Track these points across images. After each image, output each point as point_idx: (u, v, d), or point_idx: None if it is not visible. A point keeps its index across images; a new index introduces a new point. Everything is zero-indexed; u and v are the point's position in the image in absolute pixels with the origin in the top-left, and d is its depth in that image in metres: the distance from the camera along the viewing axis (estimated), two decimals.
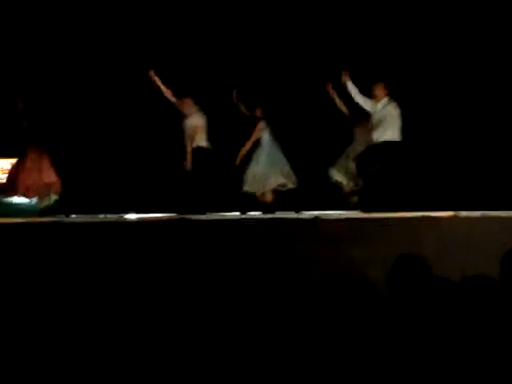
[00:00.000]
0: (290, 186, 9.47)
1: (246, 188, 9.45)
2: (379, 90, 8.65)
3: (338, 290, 3.72)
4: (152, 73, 9.33)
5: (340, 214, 8.30)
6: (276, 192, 9.50)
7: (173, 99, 9.45)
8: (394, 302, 3.73)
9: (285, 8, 10.64)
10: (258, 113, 9.63)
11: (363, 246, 6.52)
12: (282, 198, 9.58)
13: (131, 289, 6.42)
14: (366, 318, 3.54)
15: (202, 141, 9.39)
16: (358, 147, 9.05)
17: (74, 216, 9.09)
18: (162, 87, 9.36)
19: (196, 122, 9.38)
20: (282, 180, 9.43)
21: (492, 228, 6.39)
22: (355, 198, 9.18)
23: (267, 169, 9.42)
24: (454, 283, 3.71)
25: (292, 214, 8.64)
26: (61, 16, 10.69)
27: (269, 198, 9.46)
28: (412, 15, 10.30)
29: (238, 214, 9.11)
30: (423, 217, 6.75)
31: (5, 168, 10.24)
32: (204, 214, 8.54)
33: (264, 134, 9.56)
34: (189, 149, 9.35)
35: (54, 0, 10.69)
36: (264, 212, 9.12)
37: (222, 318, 5.18)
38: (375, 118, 8.59)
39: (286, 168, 9.47)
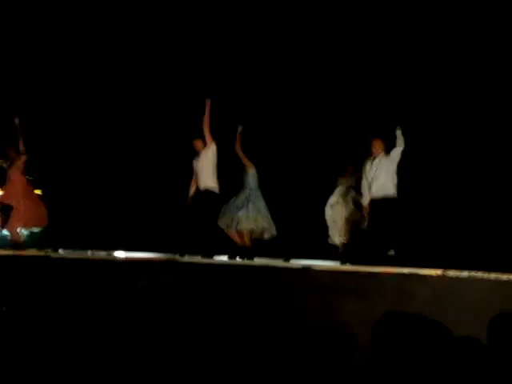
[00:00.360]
0: (267, 234, 9.51)
1: (220, 223, 9.48)
2: (376, 146, 8.83)
3: (323, 344, 3.71)
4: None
5: (329, 266, 8.29)
6: (255, 238, 9.54)
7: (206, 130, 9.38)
8: (379, 358, 3.72)
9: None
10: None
11: (353, 299, 6.50)
12: (271, 245, 9.59)
13: (117, 327, 6.38)
14: (348, 373, 3.53)
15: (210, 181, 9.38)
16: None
17: (61, 251, 9.04)
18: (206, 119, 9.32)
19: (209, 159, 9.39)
20: (260, 226, 9.50)
21: (480, 290, 6.40)
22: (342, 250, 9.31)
23: (247, 211, 9.44)
24: (441, 343, 3.71)
25: (281, 262, 8.63)
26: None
27: (244, 239, 9.46)
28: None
29: (224, 258, 9.10)
30: (412, 273, 6.76)
31: None
32: (192, 255, 8.55)
33: (252, 179, 9.58)
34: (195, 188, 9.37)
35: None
36: (245, 257, 9.11)
37: (206, 362, 5.15)
38: (372, 173, 8.75)
39: (266, 216, 9.51)
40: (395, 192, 8.74)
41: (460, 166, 10.11)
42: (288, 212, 10.06)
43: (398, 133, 8.77)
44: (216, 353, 5.77)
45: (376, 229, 8.58)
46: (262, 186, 9.74)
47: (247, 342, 5.98)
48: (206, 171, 9.22)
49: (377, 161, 8.81)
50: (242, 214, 9.37)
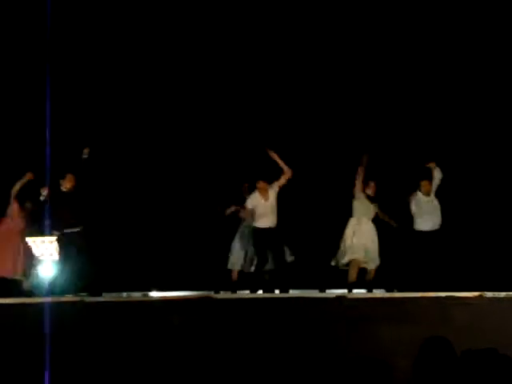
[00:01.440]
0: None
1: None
2: (426, 187, 8.99)
3: (361, 373, 3.65)
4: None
5: (364, 294, 8.23)
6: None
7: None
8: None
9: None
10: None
11: (389, 326, 6.46)
12: (306, 276, 9.54)
13: (154, 366, 6.36)
14: None
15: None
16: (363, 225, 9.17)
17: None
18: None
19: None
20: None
21: None
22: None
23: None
24: (483, 367, 3.62)
25: (316, 293, 8.58)
26: None
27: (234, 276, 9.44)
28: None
29: (260, 292, 9.05)
30: (449, 297, 6.69)
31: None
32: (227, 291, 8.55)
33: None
34: None
35: None
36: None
37: None
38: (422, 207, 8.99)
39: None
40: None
41: (491, 187, 10.04)
42: (319, 242, 9.99)
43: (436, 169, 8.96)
44: None
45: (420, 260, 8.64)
46: (291, 215, 9.72)
47: (286, 374, 5.94)
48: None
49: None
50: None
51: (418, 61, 10.38)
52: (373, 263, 9.02)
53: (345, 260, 9.04)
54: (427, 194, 9.13)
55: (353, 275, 8.93)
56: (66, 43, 10.43)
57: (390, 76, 10.48)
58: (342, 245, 9.13)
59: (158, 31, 10.72)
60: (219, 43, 10.71)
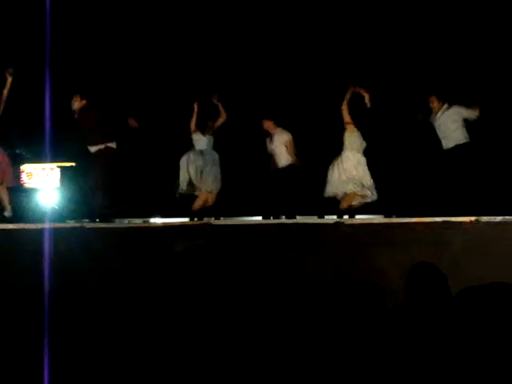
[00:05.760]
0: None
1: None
2: (434, 103, 8.82)
3: (356, 295, 3.71)
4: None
5: (363, 219, 8.28)
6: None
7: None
8: (412, 309, 3.72)
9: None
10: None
11: (387, 251, 6.53)
12: (304, 202, 9.59)
13: (154, 294, 6.47)
14: (382, 326, 3.54)
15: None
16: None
17: (98, 221, 9.12)
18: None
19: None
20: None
21: None
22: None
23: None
24: (473, 291, 3.68)
25: (314, 219, 8.63)
26: None
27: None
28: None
29: (259, 218, 9.10)
30: (445, 221, 6.75)
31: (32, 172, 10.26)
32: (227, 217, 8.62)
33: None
34: None
35: None
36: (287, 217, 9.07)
37: (244, 322, 5.21)
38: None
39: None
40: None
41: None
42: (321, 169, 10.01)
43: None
44: (254, 310, 5.83)
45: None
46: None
47: (284, 298, 6.04)
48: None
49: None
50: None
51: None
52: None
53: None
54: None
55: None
56: None
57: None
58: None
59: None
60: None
